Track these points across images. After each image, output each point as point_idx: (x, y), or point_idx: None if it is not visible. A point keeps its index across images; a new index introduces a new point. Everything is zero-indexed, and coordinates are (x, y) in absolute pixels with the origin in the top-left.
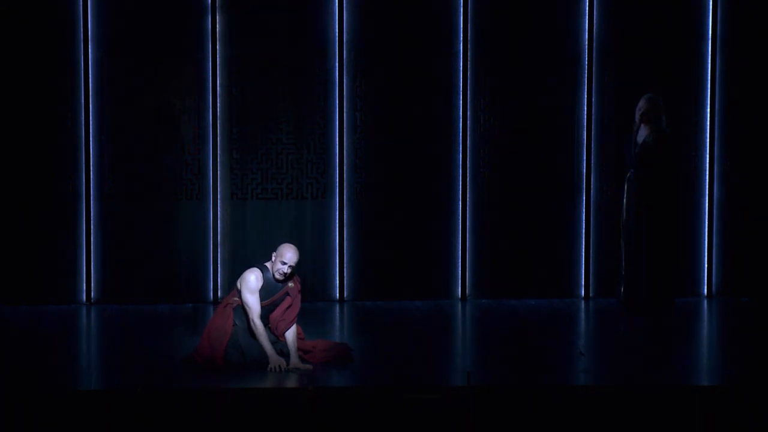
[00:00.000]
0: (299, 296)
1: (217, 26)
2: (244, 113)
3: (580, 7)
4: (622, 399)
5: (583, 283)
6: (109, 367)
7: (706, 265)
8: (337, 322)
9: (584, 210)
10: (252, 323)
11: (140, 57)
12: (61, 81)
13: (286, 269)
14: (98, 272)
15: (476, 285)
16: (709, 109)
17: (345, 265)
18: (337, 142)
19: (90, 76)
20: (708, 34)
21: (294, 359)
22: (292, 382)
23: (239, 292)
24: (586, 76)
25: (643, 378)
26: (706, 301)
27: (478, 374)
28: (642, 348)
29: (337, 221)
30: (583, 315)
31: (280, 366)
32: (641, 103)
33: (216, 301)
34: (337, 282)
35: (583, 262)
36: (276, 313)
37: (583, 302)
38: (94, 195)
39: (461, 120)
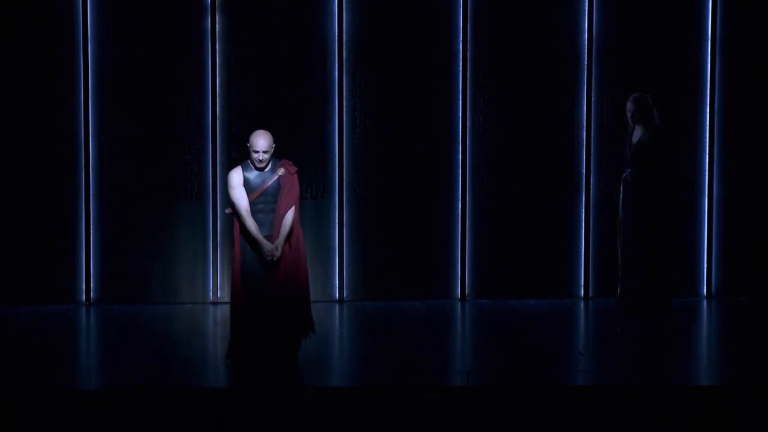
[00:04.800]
0: (295, 177)
1: (217, 26)
2: (244, 113)
3: (579, 7)
4: (622, 399)
5: (582, 283)
6: (109, 367)
7: (705, 265)
8: (337, 322)
9: (584, 210)
10: (242, 220)
11: (140, 57)
12: (60, 81)
13: (260, 156)
14: (98, 272)
15: (476, 285)
16: (708, 109)
17: (345, 265)
18: (337, 142)
19: (90, 76)
20: (708, 34)
21: (275, 243)
22: (293, 381)
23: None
24: (585, 75)
25: (643, 378)
26: (705, 301)
27: (478, 374)
28: (641, 348)
29: (337, 221)
30: (582, 315)
31: (272, 253)
32: (628, 105)
33: (216, 302)
34: (337, 282)
35: (583, 262)
36: (279, 202)
37: (582, 302)
38: (94, 195)
39: (461, 120)
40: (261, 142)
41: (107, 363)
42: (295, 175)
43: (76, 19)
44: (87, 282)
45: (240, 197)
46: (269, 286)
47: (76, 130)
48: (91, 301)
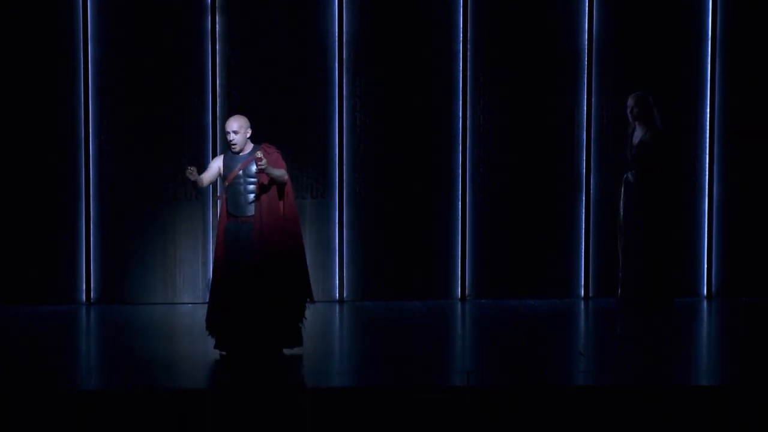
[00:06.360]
0: (278, 156)
1: (217, 26)
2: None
3: (579, 7)
4: (622, 399)
5: (582, 283)
6: (109, 367)
7: (706, 265)
8: (337, 322)
9: (584, 210)
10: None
11: (140, 57)
12: (61, 81)
13: (231, 137)
14: (98, 272)
15: (476, 285)
16: (708, 109)
17: (345, 265)
18: (337, 142)
19: (90, 76)
20: (708, 34)
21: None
22: (293, 380)
23: None
24: (585, 76)
25: (643, 378)
26: (706, 301)
27: (478, 374)
28: (642, 348)
29: (337, 221)
30: (583, 315)
31: (191, 172)
32: (630, 101)
33: None
34: (337, 282)
35: (583, 262)
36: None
37: (582, 302)
38: (93, 195)
39: (461, 120)
40: (231, 122)
41: (107, 363)
42: (277, 154)
43: (76, 19)
44: (87, 282)
45: (206, 171)
46: (258, 250)
47: (76, 130)
48: (91, 301)
